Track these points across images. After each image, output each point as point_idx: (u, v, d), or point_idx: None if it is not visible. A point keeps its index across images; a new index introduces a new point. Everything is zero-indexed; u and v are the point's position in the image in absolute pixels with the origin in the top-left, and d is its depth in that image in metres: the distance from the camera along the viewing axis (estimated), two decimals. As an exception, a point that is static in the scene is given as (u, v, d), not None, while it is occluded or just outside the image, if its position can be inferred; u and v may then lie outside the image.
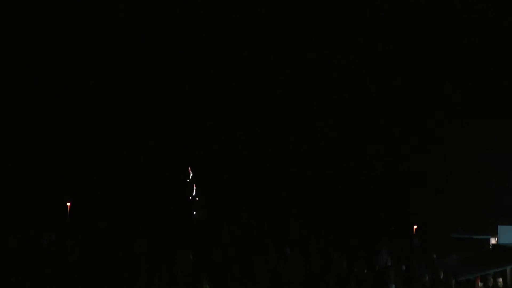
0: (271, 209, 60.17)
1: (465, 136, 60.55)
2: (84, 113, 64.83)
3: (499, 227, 44.72)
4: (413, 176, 61.59)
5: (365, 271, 39.41)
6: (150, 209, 57.51)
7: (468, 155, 59.26)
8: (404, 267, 39.51)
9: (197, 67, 68.87)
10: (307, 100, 69.17)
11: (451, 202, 56.26)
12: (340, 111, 68.05)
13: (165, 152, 66.06)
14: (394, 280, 36.93)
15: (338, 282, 37.03)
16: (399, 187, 61.39)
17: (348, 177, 63.58)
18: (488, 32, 64.34)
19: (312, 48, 69.17)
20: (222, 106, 68.54)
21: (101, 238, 43.06)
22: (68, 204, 56.20)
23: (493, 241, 45.92)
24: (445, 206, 56.19)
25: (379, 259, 41.16)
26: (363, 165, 63.93)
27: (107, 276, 35.96)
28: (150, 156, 65.08)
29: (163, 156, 65.50)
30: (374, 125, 65.83)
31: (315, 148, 67.19)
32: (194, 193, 64.61)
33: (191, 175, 64.07)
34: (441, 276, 37.52)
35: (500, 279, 37.81)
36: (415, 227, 55.52)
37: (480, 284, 37.39)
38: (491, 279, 37.50)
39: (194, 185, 64.68)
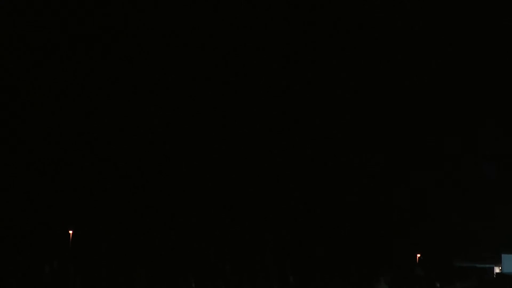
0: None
1: (468, 165, 60.55)
2: (82, 143, 64.70)
3: (503, 255, 44.62)
4: (416, 205, 61.39)
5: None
6: (150, 238, 57.42)
7: (471, 184, 59.18)
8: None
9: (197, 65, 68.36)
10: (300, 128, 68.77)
11: (455, 231, 56.06)
12: (342, 138, 67.88)
13: (162, 182, 65.82)
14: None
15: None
16: (401, 216, 61.14)
17: (350, 203, 63.33)
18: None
19: (312, 48, 68.91)
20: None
21: (103, 266, 42.92)
22: (70, 232, 56.13)
23: (497, 269, 45.77)
24: (448, 234, 55.99)
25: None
26: (366, 191, 63.69)
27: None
28: (150, 185, 64.92)
29: (161, 186, 65.30)
30: (379, 152, 65.61)
31: (318, 175, 66.95)
32: None
33: None
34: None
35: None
36: (418, 255, 55.30)
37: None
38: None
39: None
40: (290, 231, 60.85)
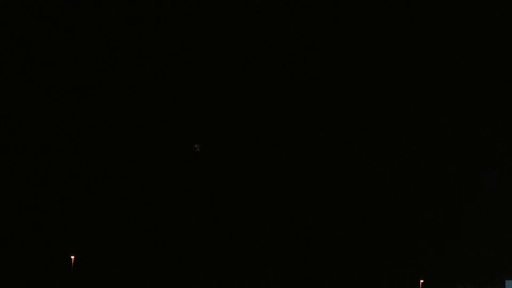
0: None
1: (471, 188, 60.30)
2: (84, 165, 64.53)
3: (506, 282, 44.24)
4: (420, 229, 61.05)
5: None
6: (153, 261, 57.22)
7: (474, 207, 58.91)
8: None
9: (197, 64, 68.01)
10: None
11: (458, 256, 55.72)
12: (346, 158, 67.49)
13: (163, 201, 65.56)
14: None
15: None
16: (405, 240, 60.80)
17: (352, 227, 62.96)
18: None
19: (311, 47, 68.63)
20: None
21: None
22: (72, 257, 55.90)
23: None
24: (451, 259, 55.64)
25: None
26: (368, 214, 63.33)
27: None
28: (151, 208, 64.69)
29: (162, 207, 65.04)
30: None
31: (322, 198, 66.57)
32: None
33: None
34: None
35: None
36: (421, 281, 54.93)
37: None
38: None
39: None
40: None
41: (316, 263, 57.45)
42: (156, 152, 63.81)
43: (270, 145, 66.15)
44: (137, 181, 63.36)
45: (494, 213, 56.85)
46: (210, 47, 68.18)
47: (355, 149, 65.08)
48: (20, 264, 53.89)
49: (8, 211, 58.68)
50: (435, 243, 59.01)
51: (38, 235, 58.16)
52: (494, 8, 66.18)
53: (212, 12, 68.23)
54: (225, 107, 67.21)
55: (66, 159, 62.17)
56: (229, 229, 58.25)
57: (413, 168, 64.56)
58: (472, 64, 66.17)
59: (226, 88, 67.73)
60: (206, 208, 61.58)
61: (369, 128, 66.83)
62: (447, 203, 61.10)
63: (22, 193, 59.79)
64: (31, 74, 63.42)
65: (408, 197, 63.14)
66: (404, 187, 63.82)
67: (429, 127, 64.88)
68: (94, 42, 65.31)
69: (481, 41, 66.35)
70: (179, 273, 55.22)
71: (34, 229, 58.58)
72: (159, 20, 67.32)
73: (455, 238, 58.41)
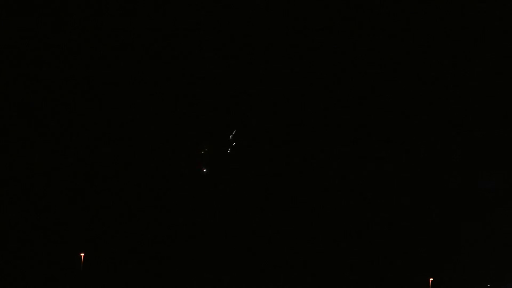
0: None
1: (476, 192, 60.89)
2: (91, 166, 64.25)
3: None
4: (430, 230, 61.52)
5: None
6: (163, 260, 57.22)
7: (479, 211, 59.54)
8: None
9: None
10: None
11: (468, 256, 56.33)
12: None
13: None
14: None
15: None
16: (415, 240, 61.27)
17: (361, 228, 63.30)
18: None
19: (311, 47, 68.89)
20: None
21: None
22: (82, 254, 55.73)
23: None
24: (461, 260, 56.25)
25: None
26: (377, 215, 63.71)
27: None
28: (161, 208, 64.60)
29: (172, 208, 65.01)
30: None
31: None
32: None
33: None
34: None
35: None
36: (431, 279, 55.47)
37: None
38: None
39: None
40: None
41: (322, 264, 57.60)
42: (165, 152, 63.86)
43: (270, 145, 66.44)
44: (145, 183, 63.35)
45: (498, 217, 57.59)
46: (210, 47, 68.31)
47: (361, 152, 65.64)
48: (28, 263, 53.56)
49: (14, 210, 58.40)
50: (445, 243, 59.70)
51: (48, 234, 57.91)
52: (494, 8, 66.86)
53: (212, 12, 68.29)
54: (225, 107, 67.40)
55: (73, 158, 61.96)
56: (239, 229, 58.25)
57: (419, 169, 65.14)
58: (472, 64, 66.84)
59: (226, 88, 67.91)
60: (219, 208, 61.88)
61: (370, 128, 67.28)
62: (455, 204, 61.79)
63: (29, 192, 59.53)
64: (31, 74, 63.00)
65: (415, 197, 63.77)
66: (410, 188, 64.43)
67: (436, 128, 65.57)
68: (95, 42, 64.99)
69: (481, 41, 67.06)
70: (185, 274, 54.87)
71: (43, 228, 58.31)
72: (159, 19, 67.21)
73: (467, 239, 59.15)
